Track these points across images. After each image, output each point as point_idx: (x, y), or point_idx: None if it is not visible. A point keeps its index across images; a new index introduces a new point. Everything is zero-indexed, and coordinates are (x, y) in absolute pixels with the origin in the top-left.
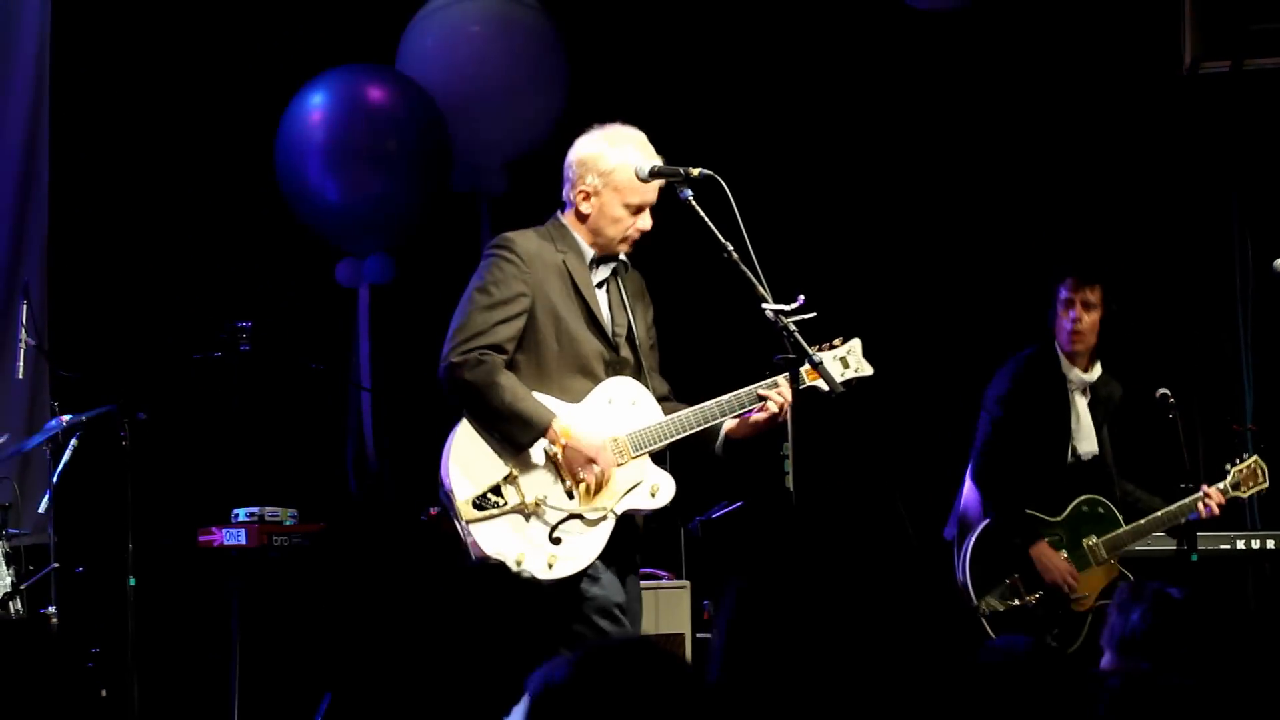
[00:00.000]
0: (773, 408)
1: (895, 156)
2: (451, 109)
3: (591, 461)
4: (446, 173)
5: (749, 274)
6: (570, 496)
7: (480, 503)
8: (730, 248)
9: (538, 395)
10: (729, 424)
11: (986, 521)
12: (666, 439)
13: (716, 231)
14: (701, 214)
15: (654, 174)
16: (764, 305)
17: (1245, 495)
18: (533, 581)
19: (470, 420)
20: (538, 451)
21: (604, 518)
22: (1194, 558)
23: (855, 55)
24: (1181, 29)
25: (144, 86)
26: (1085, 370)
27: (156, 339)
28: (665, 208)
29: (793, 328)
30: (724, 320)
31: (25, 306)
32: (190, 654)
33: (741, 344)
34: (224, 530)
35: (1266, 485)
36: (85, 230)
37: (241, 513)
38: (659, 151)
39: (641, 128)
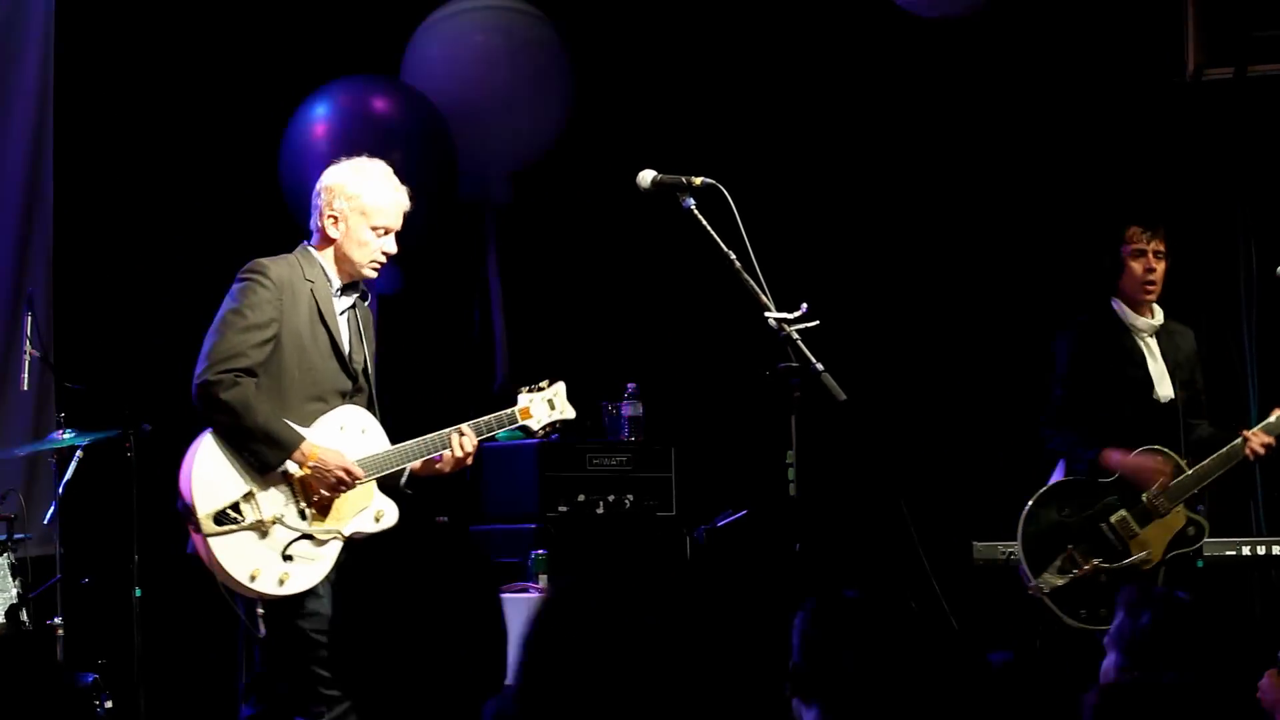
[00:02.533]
0: (447, 455)
1: (899, 164)
2: (457, 119)
3: (340, 481)
4: (451, 184)
5: (751, 283)
6: (303, 517)
7: (220, 518)
8: (733, 256)
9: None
10: (414, 464)
11: (1032, 499)
12: (393, 466)
13: (719, 240)
14: (704, 223)
15: (657, 184)
16: (767, 314)
17: None
18: (261, 597)
19: (218, 438)
20: (278, 472)
21: (333, 539)
22: (1200, 564)
23: (858, 63)
24: (1185, 36)
25: (149, 98)
26: (1151, 316)
27: (162, 350)
28: (668, 217)
29: (796, 336)
30: (726, 328)
31: (30, 318)
32: (196, 665)
33: (743, 353)
34: None
35: None
36: (90, 241)
37: None
38: (664, 162)
39: (646, 137)
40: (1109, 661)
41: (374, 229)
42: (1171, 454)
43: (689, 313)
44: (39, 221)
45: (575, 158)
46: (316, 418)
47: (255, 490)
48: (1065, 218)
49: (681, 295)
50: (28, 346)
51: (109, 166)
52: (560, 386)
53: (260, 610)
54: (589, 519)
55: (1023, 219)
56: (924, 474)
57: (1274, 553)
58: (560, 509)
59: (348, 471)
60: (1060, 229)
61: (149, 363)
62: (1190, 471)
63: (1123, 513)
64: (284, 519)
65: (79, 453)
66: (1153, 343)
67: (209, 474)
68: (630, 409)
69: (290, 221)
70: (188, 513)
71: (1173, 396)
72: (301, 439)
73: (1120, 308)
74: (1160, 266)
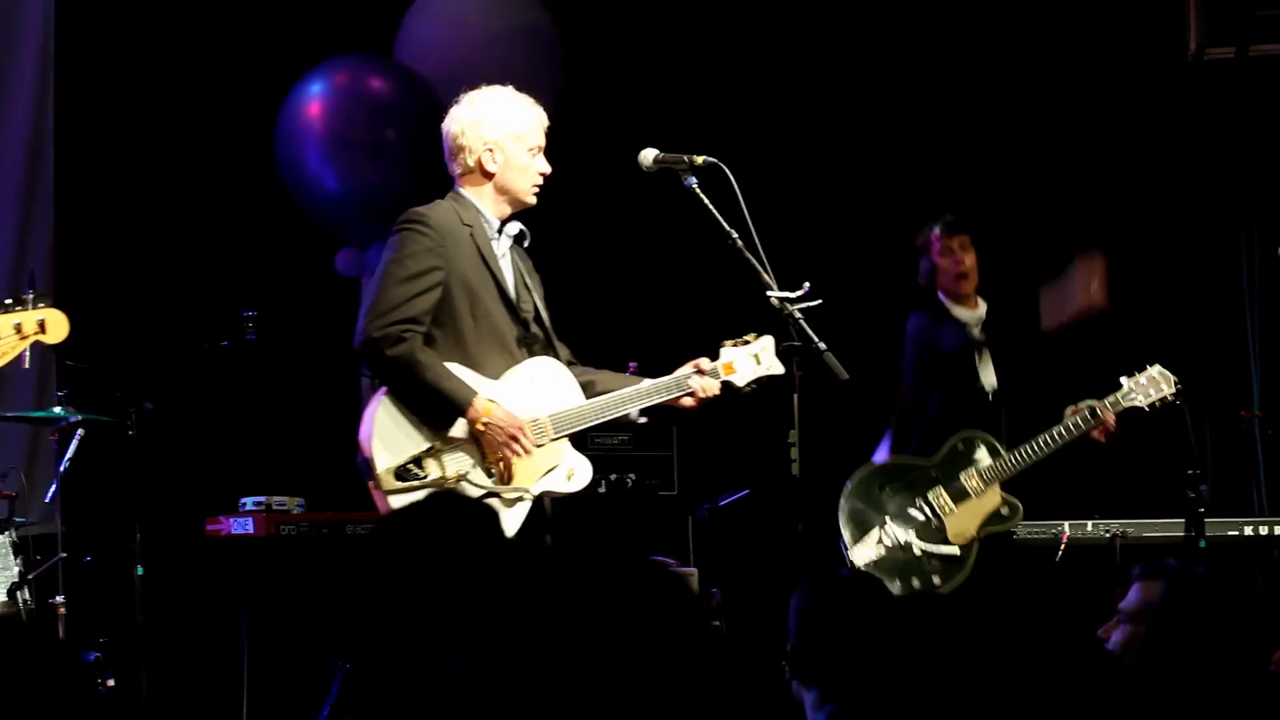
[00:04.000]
0: (689, 402)
1: (899, 143)
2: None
3: (512, 439)
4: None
5: (754, 261)
6: (490, 475)
7: (402, 473)
8: (735, 235)
9: (460, 369)
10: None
11: (855, 476)
12: (588, 423)
13: (721, 219)
14: (706, 202)
15: (659, 162)
16: (769, 293)
17: (1146, 405)
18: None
19: (392, 394)
20: (461, 426)
21: (520, 498)
22: (1202, 544)
23: (856, 41)
24: (1187, 15)
25: (146, 77)
26: (975, 307)
27: (162, 328)
28: (670, 195)
29: (798, 315)
30: (729, 307)
31: (31, 296)
32: (198, 643)
33: (745, 331)
34: (232, 519)
35: (1171, 392)
36: (90, 220)
37: (249, 502)
38: (655, 141)
39: (639, 115)
40: (1120, 634)
41: (529, 150)
42: (990, 439)
43: (688, 290)
44: (40, 200)
45: (566, 138)
46: (505, 370)
47: (439, 446)
48: (1065, 197)
49: (680, 273)
50: None
51: (109, 146)
52: (767, 341)
53: None
54: (590, 498)
55: (1023, 198)
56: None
57: (1276, 533)
58: None
59: (519, 434)
60: (1060, 208)
61: (150, 341)
62: (1005, 456)
63: (939, 489)
64: (468, 476)
65: (80, 431)
66: (978, 334)
67: (388, 429)
68: None
69: (286, 197)
70: (367, 468)
71: (996, 386)
72: (473, 395)
73: (946, 302)
74: (969, 258)
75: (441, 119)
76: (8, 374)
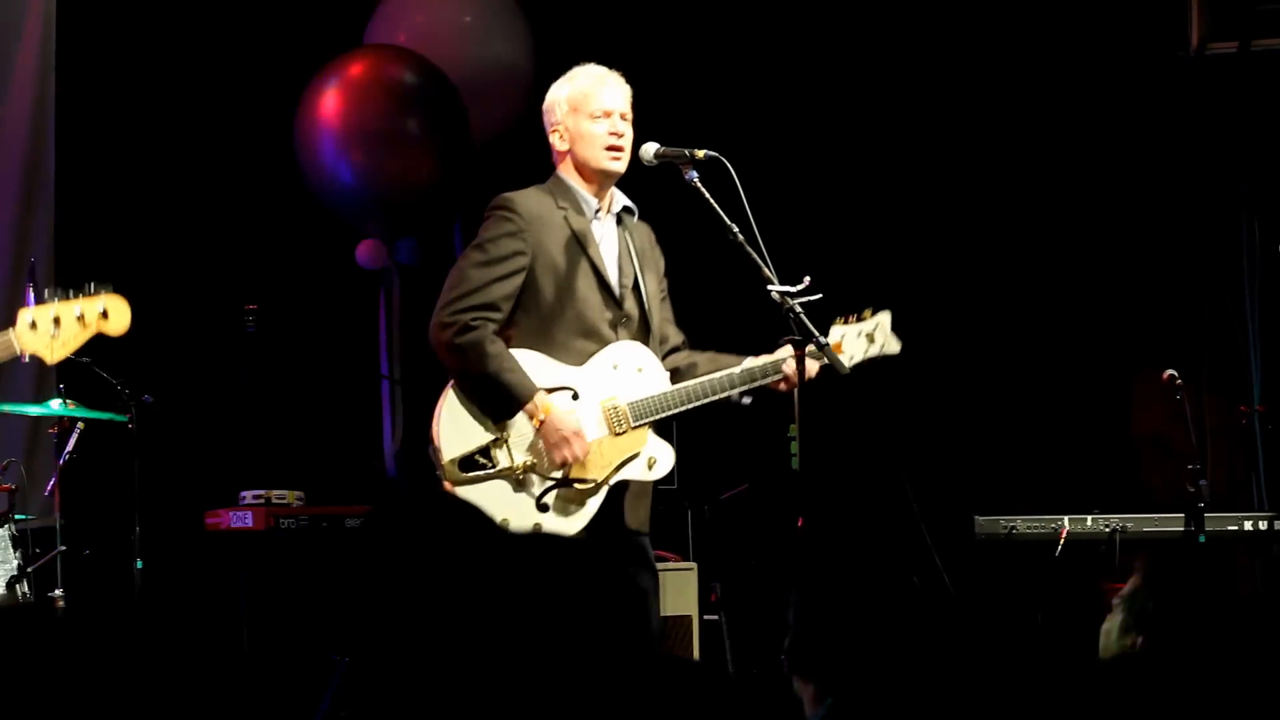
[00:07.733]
0: (784, 386)
1: (899, 136)
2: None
3: (564, 442)
4: (466, 154)
5: (755, 256)
6: (561, 464)
7: (466, 464)
8: (736, 229)
9: (535, 358)
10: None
11: None
12: (669, 410)
13: (722, 213)
14: (707, 196)
15: (660, 156)
16: (770, 287)
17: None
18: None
19: (458, 384)
20: (526, 418)
21: (595, 488)
22: (1201, 539)
23: (857, 35)
24: (1189, 9)
25: (155, 63)
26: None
27: (164, 321)
28: (672, 190)
29: (799, 309)
30: (731, 302)
31: (31, 287)
32: (198, 637)
33: (749, 326)
34: (231, 513)
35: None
36: (93, 211)
37: (248, 495)
38: (660, 135)
39: (639, 110)
40: (1113, 623)
41: (591, 117)
42: None
43: (688, 284)
44: (41, 190)
45: (536, 133)
46: (588, 355)
47: (509, 435)
48: (1067, 192)
49: (682, 267)
50: None
51: (114, 134)
52: (883, 317)
53: None
54: None
55: (1022, 193)
56: (926, 448)
57: (1275, 528)
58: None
59: (573, 438)
60: (1061, 203)
61: (151, 333)
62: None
63: None
64: (538, 466)
65: (80, 424)
66: None
67: (458, 417)
68: None
69: (303, 189)
70: (435, 458)
71: None
72: (533, 392)
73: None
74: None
75: (461, 108)
76: (8, 368)
